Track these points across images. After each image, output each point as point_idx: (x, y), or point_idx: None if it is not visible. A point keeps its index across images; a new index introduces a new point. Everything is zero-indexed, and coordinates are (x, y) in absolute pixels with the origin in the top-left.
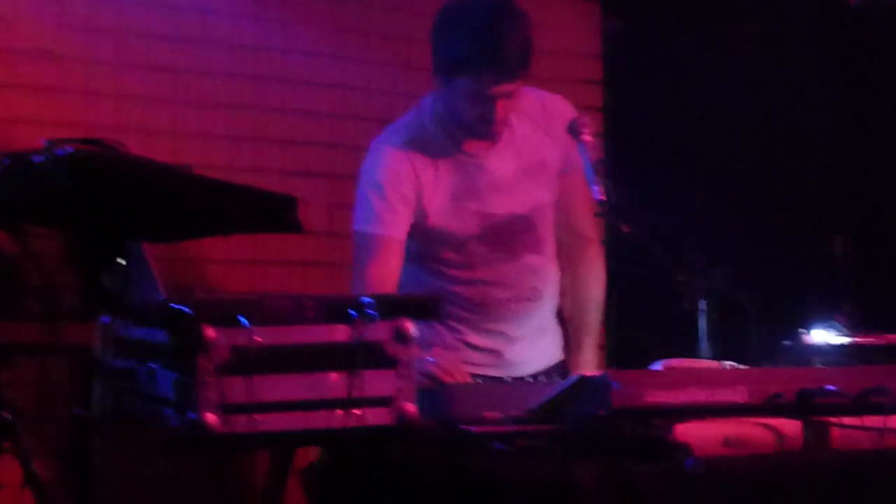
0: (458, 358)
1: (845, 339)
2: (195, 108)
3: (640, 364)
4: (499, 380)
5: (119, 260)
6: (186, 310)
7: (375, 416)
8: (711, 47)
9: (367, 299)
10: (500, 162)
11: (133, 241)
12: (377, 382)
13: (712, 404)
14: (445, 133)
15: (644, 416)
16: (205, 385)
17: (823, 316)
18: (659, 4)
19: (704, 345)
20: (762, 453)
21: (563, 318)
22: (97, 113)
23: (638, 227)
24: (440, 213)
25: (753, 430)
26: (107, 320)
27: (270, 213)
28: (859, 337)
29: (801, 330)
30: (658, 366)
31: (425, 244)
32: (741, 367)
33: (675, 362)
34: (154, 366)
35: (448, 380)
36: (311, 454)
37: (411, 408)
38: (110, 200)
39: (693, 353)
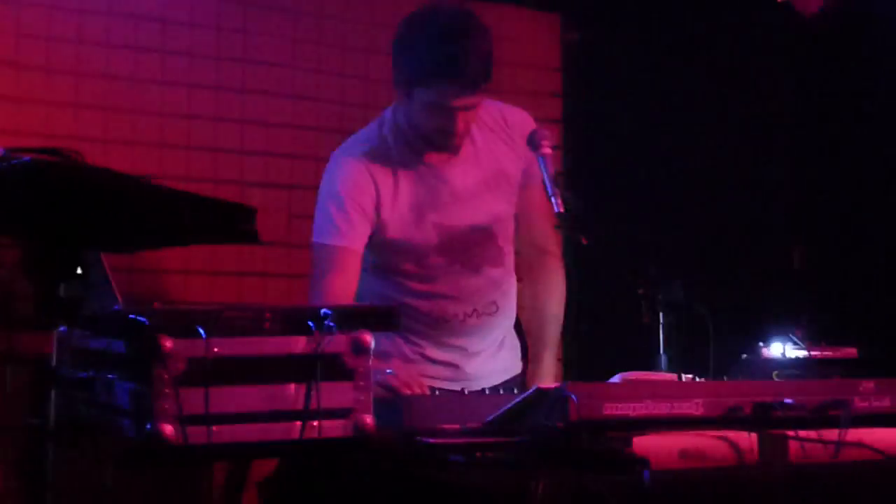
0: (417, 370)
1: (802, 353)
2: (153, 118)
3: (600, 377)
4: (457, 392)
5: (76, 270)
6: (143, 320)
7: (333, 428)
8: (670, 58)
9: (325, 310)
10: (460, 173)
11: (90, 250)
12: (335, 394)
13: (670, 417)
14: (406, 145)
15: (601, 428)
16: (162, 396)
17: (781, 329)
18: (618, 17)
19: (663, 357)
20: (719, 466)
21: (522, 330)
22: (55, 122)
23: (597, 240)
24: (399, 225)
25: (711, 443)
26: (64, 330)
27: (228, 223)
28: (816, 350)
29: (759, 343)
30: (616, 378)
31: (385, 256)
32: (699, 379)
33: (634, 375)
34: (111, 376)
35: (406, 391)
36: (268, 466)
37: (369, 419)
38: (68, 210)
39: (651, 365)
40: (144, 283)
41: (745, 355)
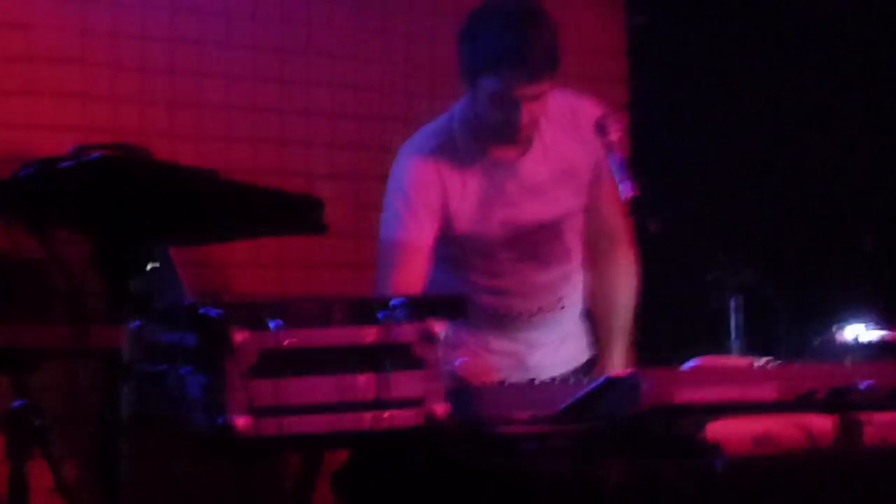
0: (482, 361)
1: (877, 335)
2: (219, 111)
3: (671, 363)
4: (527, 381)
5: (146, 264)
6: (215, 313)
7: (404, 418)
8: (737, 41)
9: (395, 300)
10: (529, 168)
11: (160, 245)
12: (406, 384)
13: (743, 402)
14: (473, 139)
15: (673, 415)
16: (233, 388)
17: (855, 311)
18: (684, 0)
19: (735, 342)
20: (793, 451)
21: (592, 318)
22: (121, 118)
23: (667, 225)
24: (467, 221)
25: (784, 428)
26: (135, 325)
27: (296, 215)
28: (891, 332)
29: (832, 326)
30: (689, 364)
31: (452, 251)
32: (772, 363)
33: (706, 360)
34: (183, 370)
35: (476, 381)
36: (340, 456)
37: (440, 409)
38: (137, 205)
39: (724, 350)
40: (214, 277)
41: (818, 339)
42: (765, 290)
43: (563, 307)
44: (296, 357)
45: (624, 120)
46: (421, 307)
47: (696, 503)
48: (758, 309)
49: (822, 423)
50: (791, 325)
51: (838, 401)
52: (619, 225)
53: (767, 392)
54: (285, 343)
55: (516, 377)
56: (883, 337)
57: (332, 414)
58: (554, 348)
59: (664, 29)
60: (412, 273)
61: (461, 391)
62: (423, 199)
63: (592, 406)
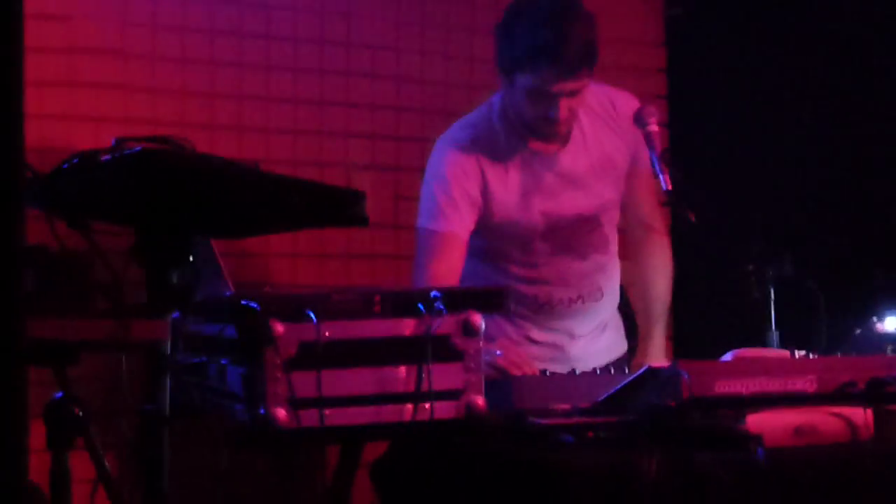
0: (522, 352)
1: None
2: (258, 103)
3: (709, 354)
4: (567, 372)
5: (187, 256)
6: (255, 305)
7: (444, 410)
8: (774, 32)
9: (435, 292)
10: (568, 160)
11: (201, 237)
12: (445, 375)
13: (782, 394)
14: (512, 131)
15: (714, 406)
16: (273, 380)
17: (894, 302)
18: None
19: (774, 334)
20: (834, 443)
21: (627, 310)
22: (161, 109)
23: (704, 217)
24: (507, 210)
25: (825, 420)
26: (177, 316)
27: (337, 207)
28: None
29: (872, 318)
30: (728, 356)
31: (491, 241)
32: (811, 355)
33: (745, 352)
34: (223, 361)
35: (516, 372)
36: (379, 448)
37: (480, 400)
38: (179, 198)
39: (762, 342)
40: (253, 268)
41: (857, 330)
42: (803, 281)
43: (601, 295)
44: (336, 349)
45: (661, 112)
46: (461, 299)
47: (738, 495)
48: (796, 300)
49: (863, 415)
50: (830, 317)
51: (877, 392)
52: (654, 215)
53: (808, 384)
54: (325, 335)
55: (557, 367)
56: None
57: (372, 406)
58: (594, 337)
59: (702, 19)
60: (450, 263)
61: (501, 382)
62: (462, 189)
63: (632, 397)
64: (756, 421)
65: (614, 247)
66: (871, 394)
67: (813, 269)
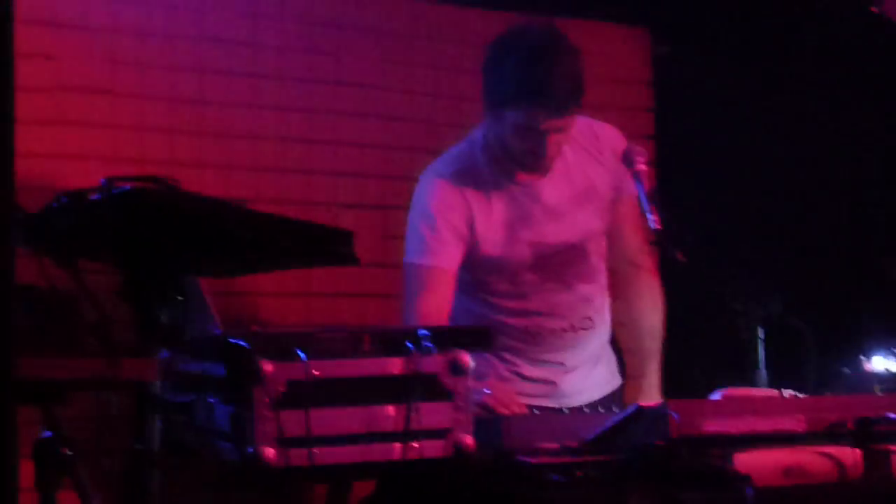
0: (512, 389)
1: None
2: (246, 142)
3: (696, 394)
4: (555, 410)
5: (176, 295)
6: (243, 344)
7: (432, 449)
8: (763, 73)
9: (422, 331)
10: (552, 190)
11: (189, 276)
12: (434, 414)
13: (771, 433)
14: (496, 164)
15: (702, 445)
16: (262, 419)
17: (882, 342)
18: (709, 31)
19: (762, 373)
20: (823, 483)
21: (617, 347)
22: (148, 147)
23: (692, 256)
24: (493, 243)
25: (813, 460)
26: (165, 355)
27: (326, 246)
28: None
29: (860, 357)
30: (716, 395)
31: (478, 274)
32: (800, 395)
33: (733, 391)
34: (211, 400)
35: (503, 411)
36: (368, 487)
37: (468, 439)
38: (167, 237)
39: (750, 381)
40: (241, 306)
41: (845, 369)
42: (791, 320)
43: (591, 326)
44: (324, 388)
45: (648, 150)
46: (448, 338)
47: None
48: (784, 339)
49: (852, 455)
50: (818, 356)
51: (867, 432)
52: (641, 251)
53: (796, 423)
54: (314, 374)
55: (549, 403)
56: None
57: (361, 444)
58: (585, 373)
59: (689, 59)
60: (439, 298)
61: (489, 421)
62: (448, 223)
63: (621, 436)
64: (745, 461)
65: (603, 278)
66: (861, 433)
67: (801, 308)
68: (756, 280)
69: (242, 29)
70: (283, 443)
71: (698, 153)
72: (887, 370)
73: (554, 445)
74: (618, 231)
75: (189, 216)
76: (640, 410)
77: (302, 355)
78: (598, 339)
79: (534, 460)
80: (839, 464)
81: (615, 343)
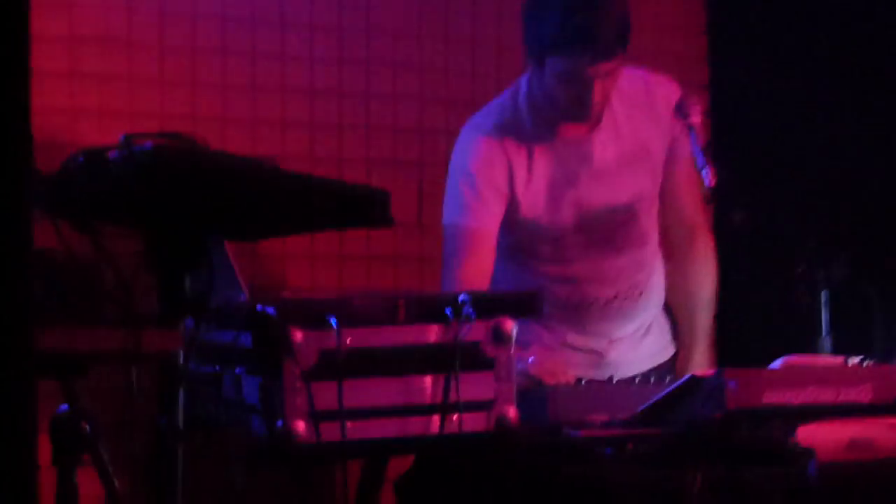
0: (559, 358)
1: None
2: (273, 95)
3: (757, 363)
4: (604, 381)
5: (201, 260)
6: (271, 311)
7: (474, 422)
8: (825, 19)
9: (462, 297)
10: (600, 148)
11: (214, 239)
12: (475, 385)
13: (836, 405)
14: (540, 117)
15: (762, 417)
16: (292, 391)
17: None
18: None
19: (826, 340)
20: (890, 457)
21: (671, 312)
22: (170, 102)
23: (751, 216)
24: (534, 203)
25: (881, 432)
26: (190, 324)
27: (361, 208)
28: None
29: None
30: (777, 364)
31: (519, 237)
32: (866, 363)
33: (795, 359)
34: (238, 371)
35: (551, 381)
36: (405, 463)
37: (512, 412)
38: (192, 198)
39: (813, 349)
40: (268, 270)
41: None
42: (857, 283)
43: (640, 294)
44: (358, 357)
45: (704, 102)
46: (491, 304)
47: None
48: (850, 304)
49: None
50: (886, 321)
51: None
52: (696, 213)
53: (862, 394)
54: (347, 343)
55: (595, 375)
56: None
57: (398, 418)
58: (634, 343)
59: (746, 5)
60: (480, 261)
61: (534, 392)
62: (490, 180)
63: (674, 408)
64: (807, 434)
65: (654, 241)
66: None
67: (868, 270)
68: (820, 241)
69: None
70: (315, 416)
71: (757, 105)
72: None
73: (604, 417)
74: (672, 192)
75: (214, 176)
76: (695, 380)
77: (334, 323)
78: (648, 309)
79: (582, 433)
80: None
81: (668, 308)
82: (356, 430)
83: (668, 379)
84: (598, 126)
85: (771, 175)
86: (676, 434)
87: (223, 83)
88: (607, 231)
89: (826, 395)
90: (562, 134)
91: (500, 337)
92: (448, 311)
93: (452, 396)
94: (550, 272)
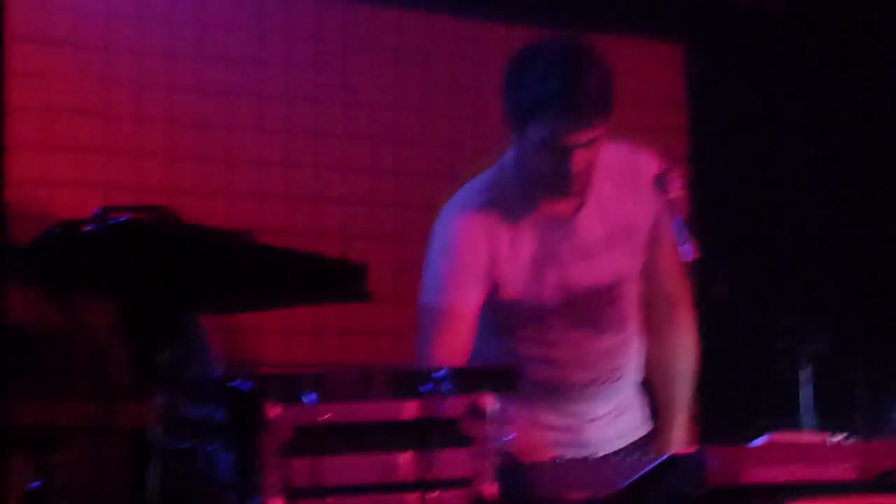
0: (538, 435)
1: None
2: (251, 167)
3: (738, 440)
4: (584, 458)
5: (175, 333)
6: (247, 386)
7: (452, 500)
8: (802, 92)
9: (441, 371)
10: (585, 226)
11: (189, 313)
12: (453, 462)
13: (819, 482)
14: (524, 193)
15: (742, 496)
16: (268, 467)
17: None
18: (745, 47)
19: (807, 417)
20: None
21: (649, 388)
22: (146, 174)
23: (732, 290)
24: (517, 284)
25: None
26: (162, 399)
27: (336, 282)
28: None
29: None
30: (758, 441)
31: (499, 318)
32: (850, 440)
33: (776, 437)
34: (213, 447)
35: (528, 458)
36: None
37: (490, 489)
38: (166, 271)
39: (795, 425)
40: (243, 344)
41: None
42: (839, 359)
43: (619, 377)
44: (334, 433)
45: (684, 175)
46: (468, 379)
47: None
48: (831, 380)
49: None
50: (868, 398)
51: None
52: (678, 288)
53: (845, 471)
54: (323, 418)
55: (573, 453)
56: None
57: (375, 495)
58: (609, 421)
59: (725, 78)
60: (456, 342)
61: (512, 470)
62: (469, 262)
63: (654, 486)
64: None
65: (634, 323)
66: None
67: (849, 346)
68: (801, 316)
69: (247, 46)
70: (292, 493)
71: (737, 177)
72: None
73: (583, 496)
74: (654, 267)
75: (190, 249)
76: (674, 458)
77: (311, 398)
78: (626, 389)
79: None
80: None
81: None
82: None
83: (645, 456)
84: (584, 203)
85: (752, 248)
86: None
87: (201, 155)
88: (590, 312)
89: (809, 473)
90: (547, 211)
91: (478, 413)
92: (426, 385)
93: (431, 473)
94: (530, 354)
